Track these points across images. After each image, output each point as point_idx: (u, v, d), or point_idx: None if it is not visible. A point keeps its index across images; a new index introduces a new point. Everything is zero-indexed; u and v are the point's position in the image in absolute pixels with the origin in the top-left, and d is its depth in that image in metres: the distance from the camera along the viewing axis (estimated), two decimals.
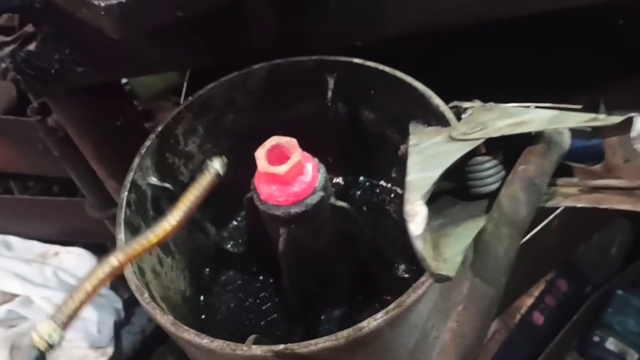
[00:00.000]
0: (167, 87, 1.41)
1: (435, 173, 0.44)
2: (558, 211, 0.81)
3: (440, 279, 0.40)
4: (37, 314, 1.19)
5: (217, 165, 0.61)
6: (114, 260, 0.50)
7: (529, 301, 1.14)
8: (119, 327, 1.27)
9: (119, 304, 1.29)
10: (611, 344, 1.13)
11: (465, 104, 0.64)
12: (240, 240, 0.82)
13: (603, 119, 0.41)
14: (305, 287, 0.72)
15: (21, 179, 1.34)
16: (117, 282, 1.34)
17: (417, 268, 0.77)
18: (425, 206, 0.41)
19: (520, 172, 0.47)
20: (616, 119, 0.41)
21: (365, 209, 0.82)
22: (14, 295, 1.22)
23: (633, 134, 0.40)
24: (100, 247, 1.35)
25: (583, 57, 0.99)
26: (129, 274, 0.60)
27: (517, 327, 1.11)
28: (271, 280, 0.78)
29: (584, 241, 1.07)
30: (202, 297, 0.80)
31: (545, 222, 0.81)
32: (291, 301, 0.74)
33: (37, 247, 1.32)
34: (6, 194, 1.33)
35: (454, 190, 0.56)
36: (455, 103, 0.66)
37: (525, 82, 0.92)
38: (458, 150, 0.48)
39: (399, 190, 0.83)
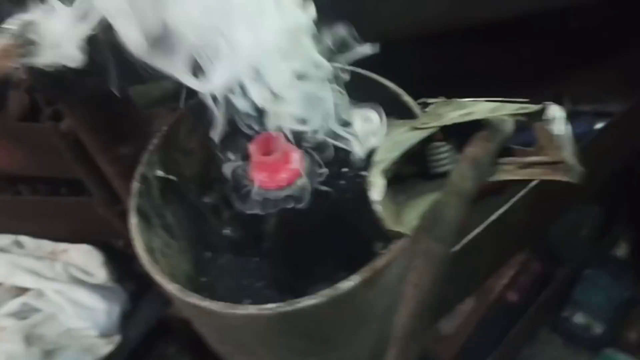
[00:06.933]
0: (163, 95, 1.50)
1: (395, 154, 0.54)
2: (523, 192, 0.91)
3: (396, 235, 0.50)
4: (49, 305, 1.28)
5: None
6: None
7: (504, 281, 1.24)
8: (125, 317, 1.36)
9: (125, 296, 1.38)
10: (578, 317, 1.23)
11: (431, 100, 0.74)
12: (237, 226, 0.91)
13: (526, 108, 0.51)
14: (293, 264, 0.81)
15: (31, 182, 1.43)
16: (123, 276, 1.44)
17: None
18: (382, 178, 0.51)
19: (468, 153, 0.57)
20: (535, 107, 0.51)
21: (348, 196, 0.92)
22: (27, 290, 1.31)
23: (545, 118, 0.50)
24: (106, 245, 1.44)
25: (547, 53, 1.09)
26: (142, 251, 0.70)
27: (492, 304, 1.21)
28: (264, 260, 0.88)
29: (551, 223, 1.16)
30: (203, 279, 0.89)
31: (511, 203, 0.91)
32: (281, 278, 0.84)
33: (47, 245, 1.41)
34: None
35: (421, 174, 0.66)
36: (423, 100, 0.76)
37: (492, 78, 1.02)
38: (416, 136, 0.58)
39: None
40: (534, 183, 0.89)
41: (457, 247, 0.91)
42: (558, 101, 1.18)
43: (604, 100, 1.14)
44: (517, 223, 0.94)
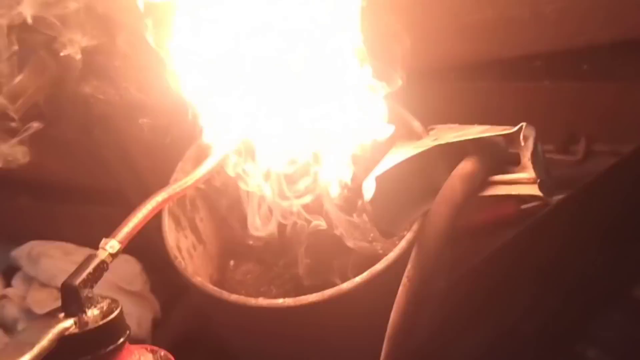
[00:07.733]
0: None
1: (390, 164, 0.62)
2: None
3: (384, 234, 0.57)
4: None
5: None
6: (159, 197, 0.64)
7: (519, 312, 1.26)
8: (155, 325, 1.44)
9: (157, 306, 1.47)
10: (591, 353, 1.24)
11: (438, 125, 0.81)
12: (259, 237, 0.99)
13: (507, 130, 0.58)
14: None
15: (82, 191, 1.54)
16: (156, 286, 1.53)
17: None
18: (374, 182, 0.58)
19: (459, 169, 0.63)
20: (513, 129, 0.57)
21: None
22: None
23: (521, 137, 0.56)
24: (144, 255, 1.53)
25: (563, 92, 1.14)
26: (169, 248, 0.78)
27: (507, 333, 1.23)
28: (281, 270, 0.95)
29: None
30: (226, 284, 0.97)
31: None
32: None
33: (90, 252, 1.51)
34: None
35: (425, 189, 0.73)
36: (432, 126, 0.84)
37: (506, 114, 1.08)
38: (410, 152, 0.65)
39: None
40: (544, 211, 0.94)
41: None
42: (574, 140, 1.24)
43: (620, 140, 1.17)
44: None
